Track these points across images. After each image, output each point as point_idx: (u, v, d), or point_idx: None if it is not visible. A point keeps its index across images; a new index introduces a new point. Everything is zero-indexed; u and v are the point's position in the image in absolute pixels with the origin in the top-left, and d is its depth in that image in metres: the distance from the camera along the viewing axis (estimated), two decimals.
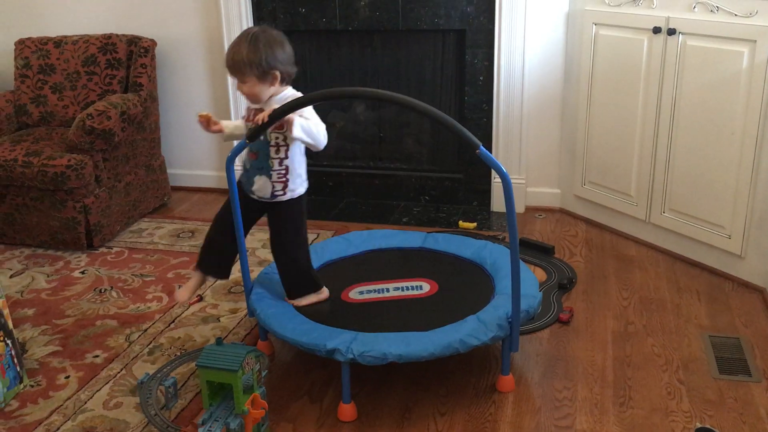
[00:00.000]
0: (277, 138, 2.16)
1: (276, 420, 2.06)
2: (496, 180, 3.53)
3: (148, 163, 3.64)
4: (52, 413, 2.12)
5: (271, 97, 2.16)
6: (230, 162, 2.15)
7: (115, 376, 2.30)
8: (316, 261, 2.57)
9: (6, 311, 2.17)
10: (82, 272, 3.05)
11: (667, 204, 2.97)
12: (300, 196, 2.26)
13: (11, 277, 3.03)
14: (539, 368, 2.28)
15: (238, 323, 2.59)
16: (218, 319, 2.62)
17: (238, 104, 3.68)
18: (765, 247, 2.64)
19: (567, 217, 3.48)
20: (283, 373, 2.30)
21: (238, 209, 2.22)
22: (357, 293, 2.39)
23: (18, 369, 2.22)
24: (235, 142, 2.16)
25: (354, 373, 2.06)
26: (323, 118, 2.18)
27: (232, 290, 2.83)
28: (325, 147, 2.14)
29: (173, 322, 2.61)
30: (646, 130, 2.98)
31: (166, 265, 3.07)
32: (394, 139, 3.78)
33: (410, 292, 2.37)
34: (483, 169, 3.56)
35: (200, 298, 2.76)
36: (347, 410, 2.06)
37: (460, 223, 3.42)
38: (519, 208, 3.54)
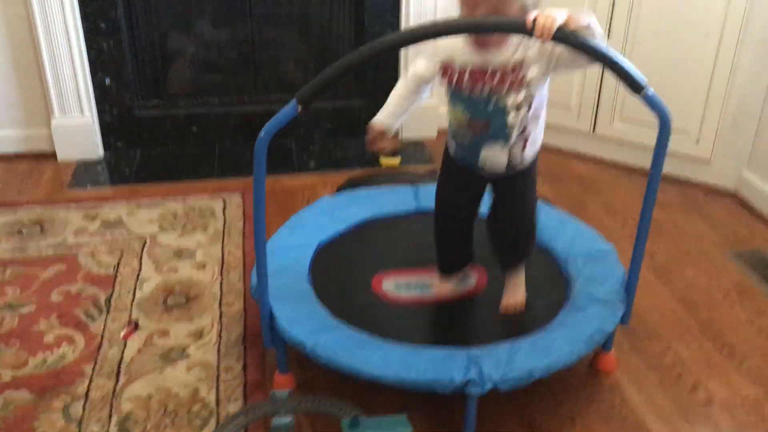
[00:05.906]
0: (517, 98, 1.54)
1: None
2: None
3: None
4: None
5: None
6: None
7: None
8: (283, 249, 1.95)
9: None
10: None
11: (617, 114, 2.78)
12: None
13: None
14: None
15: (219, 352, 1.87)
16: (184, 353, 1.87)
17: None
18: (737, 148, 2.60)
19: None
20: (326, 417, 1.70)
21: None
22: (392, 287, 1.84)
23: None
24: None
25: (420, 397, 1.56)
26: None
27: (167, 302, 2.05)
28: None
29: (119, 372, 1.80)
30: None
31: (36, 281, 2.13)
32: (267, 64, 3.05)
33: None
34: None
35: (136, 327, 1.95)
36: None
37: (382, 159, 2.91)
38: None
